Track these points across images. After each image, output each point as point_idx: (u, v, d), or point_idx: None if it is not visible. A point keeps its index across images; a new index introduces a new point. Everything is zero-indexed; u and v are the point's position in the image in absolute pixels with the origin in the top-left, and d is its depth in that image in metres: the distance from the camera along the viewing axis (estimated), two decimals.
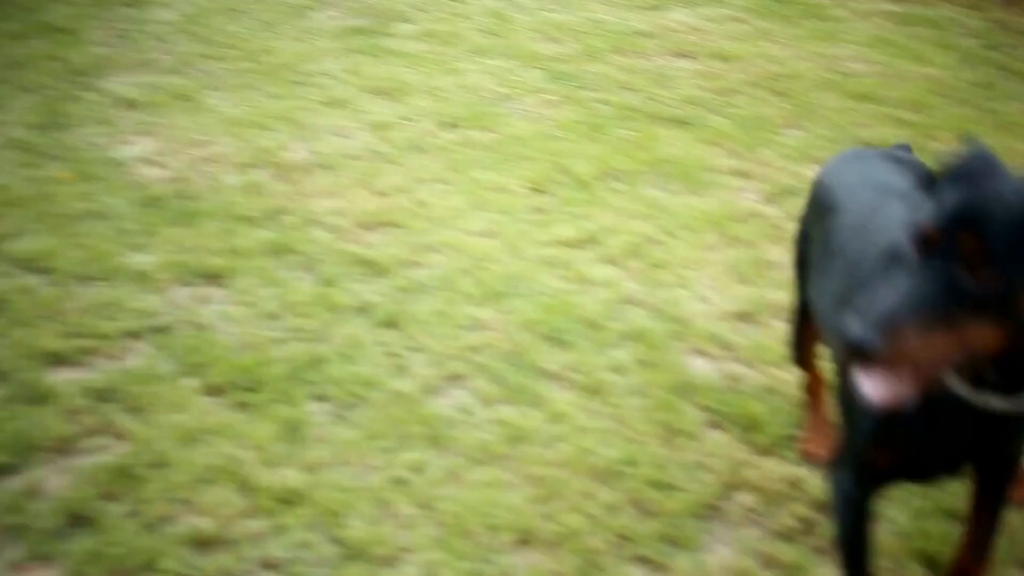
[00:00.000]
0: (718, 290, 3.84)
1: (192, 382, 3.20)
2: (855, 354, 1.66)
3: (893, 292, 1.71)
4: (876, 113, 5.43)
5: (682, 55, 6.20)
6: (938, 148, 4.63)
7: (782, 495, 2.90)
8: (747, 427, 3.14)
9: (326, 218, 4.16)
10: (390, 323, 3.54)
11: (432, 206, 4.29)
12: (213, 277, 3.75)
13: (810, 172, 4.72)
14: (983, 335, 1.71)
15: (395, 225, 4.14)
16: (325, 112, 5.13)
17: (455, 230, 4.12)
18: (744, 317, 3.69)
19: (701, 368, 3.42)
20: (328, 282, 3.74)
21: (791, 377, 3.36)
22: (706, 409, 3.22)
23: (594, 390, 3.26)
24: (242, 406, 3.12)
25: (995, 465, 2.24)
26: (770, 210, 4.41)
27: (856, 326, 1.66)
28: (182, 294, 3.64)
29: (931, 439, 2.06)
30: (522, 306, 3.64)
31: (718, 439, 3.09)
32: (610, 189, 4.52)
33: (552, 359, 3.39)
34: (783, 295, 3.77)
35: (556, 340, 3.48)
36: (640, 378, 3.33)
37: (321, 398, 3.18)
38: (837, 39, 6.56)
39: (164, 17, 6.27)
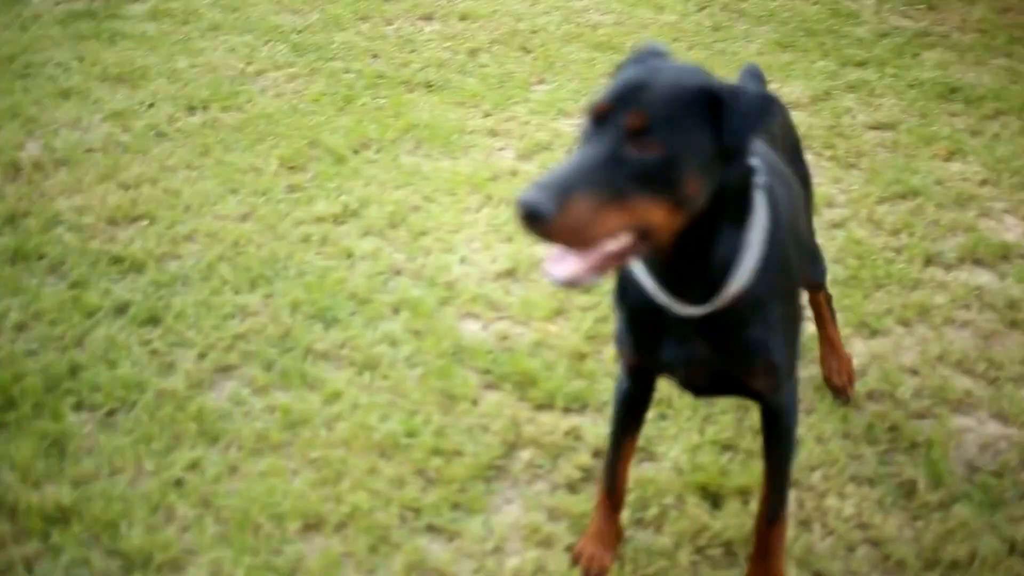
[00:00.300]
0: (483, 251, 3.90)
1: None
2: (527, 219, 1.72)
3: (567, 163, 1.80)
4: (619, 60, 5.61)
5: (426, 18, 6.22)
6: None
7: (563, 447, 2.99)
8: (522, 384, 3.22)
9: (70, 217, 3.98)
10: (151, 320, 3.44)
11: (183, 194, 4.16)
12: None
13: (562, 125, 4.87)
14: (652, 209, 1.81)
15: (146, 218, 4.00)
16: (58, 105, 4.89)
17: (210, 217, 4.03)
18: (511, 275, 3.77)
19: (473, 331, 3.48)
20: (79, 284, 3.59)
21: (559, 329, 3.47)
22: (481, 371, 3.28)
23: (369, 365, 3.27)
24: None
25: (750, 387, 2.31)
26: (527, 166, 4.50)
27: (528, 191, 1.73)
28: None
29: (661, 341, 2.22)
30: (287, 288, 3.60)
31: (496, 399, 3.16)
32: (366, 160, 4.51)
33: (323, 338, 3.38)
34: (546, 247, 3.87)
35: (325, 319, 3.47)
36: (414, 347, 3.36)
37: (84, 407, 3.06)
38: None
39: None
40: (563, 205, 1.72)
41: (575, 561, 2.64)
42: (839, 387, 3.26)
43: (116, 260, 3.73)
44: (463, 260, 3.84)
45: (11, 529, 2.62)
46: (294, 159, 4.47)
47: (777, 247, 2.15)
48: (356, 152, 4.57)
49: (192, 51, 5.57)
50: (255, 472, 2.84)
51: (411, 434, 2.99)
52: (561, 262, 1.82)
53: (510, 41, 5.85)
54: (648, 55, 2.07)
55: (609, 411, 2.68)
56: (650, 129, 1.80)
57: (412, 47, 5.74)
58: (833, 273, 3.81)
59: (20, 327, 3.38)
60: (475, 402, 3.15)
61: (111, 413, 3.04)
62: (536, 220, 1.71)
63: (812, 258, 3.07)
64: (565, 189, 1.73)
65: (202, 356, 3.28)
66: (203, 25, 5.93)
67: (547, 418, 3.10)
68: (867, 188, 4.38)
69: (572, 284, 1.84)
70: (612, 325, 3.40)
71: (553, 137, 4.74)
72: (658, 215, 1.83)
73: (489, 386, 3.24)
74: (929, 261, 3.89)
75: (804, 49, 5.80)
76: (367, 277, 3.69)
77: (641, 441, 3.00)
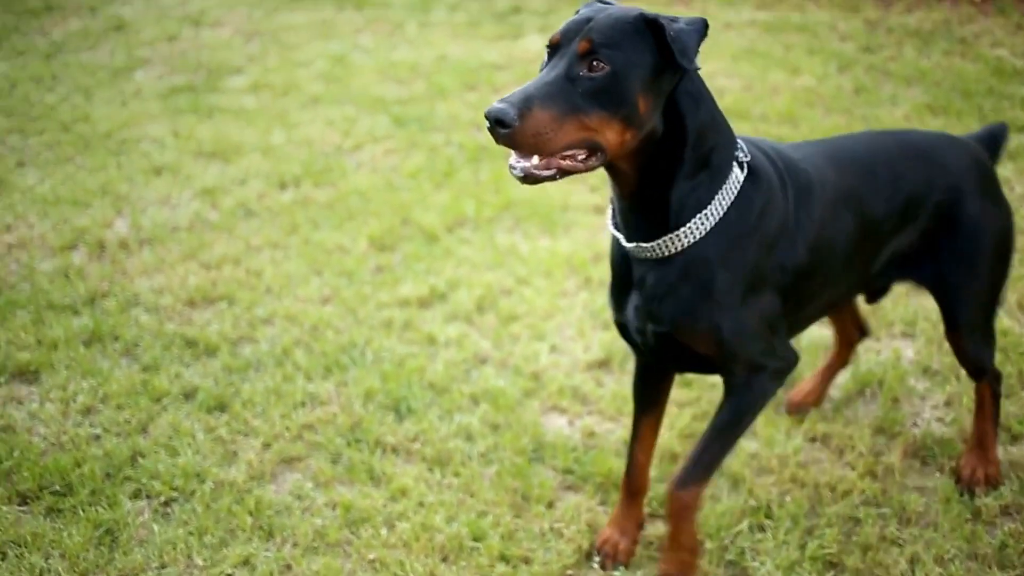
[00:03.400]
0: (576, 339, 3.97)
1: None
2: (494, 127, 2.25)
3: (529, 83, 2.32)
4: (747, 130, 5.65)
5: None
6: None
7: (642, 557, 3.02)
8: (605, 486, 3.26)
9: (149, 298, 4.21)
10: (218, 407, 3.61)
11: (265, 275, 4.37)
12: (22, 374, 3.78)
13: None
14: (604, 125, 2.33)
15: (225, 299, 4.21)
16: (149, 181, 5.20)
17: (290, 299, 4.21)
18: (603, 366, 3.83)
19: (557, 426, 3.54)
20: (150, 368, 3.80)
21: None
22: (562, 471, 3.33)
23: (440, 461, 3.36)
24: (54, 512, 3.16)
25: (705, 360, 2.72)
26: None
27: (494, 104, 2.25)
28: None
29: (628, 298, 2.72)
30: (362, 375, 3.73)
31: (574, 502, 3.20)
32: (460, 239, 4.65)
33: (395, 431, 3.48)
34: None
35: (399, 410, 3.58)
36: (491, 443, 3.43)
37: (142, 495, 3.23)
38: (703, 54, 6.81)
39: None
40: (524, 116, 2.24)
41: (597, 548, 3.01)
42: (969, 481, 3.24)
43: (190, 343, 3.93)
44: (553, 348, 3.92)
45: None
46: (384, 238, 4.64)
47: (743, 223, 2.58)
48: (450, 231, 4.72)
49: (289, 124, 5.85)
50: (308, 571, 2.94)
51: (478, 537, 3.05)
52: (523, 159, 2.32)
53: None
54: (595, 2, 2.54)
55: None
56: (595, 51, 2.32)
57: None
58: None
59: (87, 410, 3.59)
60: (551, 504, 3.20)
61: (168, 503, 3.20)
62: (502, 128, 2.24)
63: (982, 338, 3.15)
64: (526, 102, 2.26)
65: (267, 446, 3.43)
66: (303, 98, 6.23)
67: None
68: (1020, 270, 4.29)
69: (529, 179, 2.34)
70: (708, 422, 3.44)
71: None
72: (610, 132, 2.34)
73: (569, 487, 3.29)
74: None
75: (958, 113, 5.73)
76: (448, 365, 3.80)
77: (733, 553, 3.01)
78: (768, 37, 7.05)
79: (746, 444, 3.40)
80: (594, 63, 2.31)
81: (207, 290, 4.26)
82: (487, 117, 2.25)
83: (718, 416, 2.77)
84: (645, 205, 2.53)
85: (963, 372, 3.69)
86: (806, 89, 6.18)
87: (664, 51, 2.35)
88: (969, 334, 3.10)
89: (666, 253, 2.56)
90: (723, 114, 2.59)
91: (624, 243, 2.61)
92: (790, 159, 2.77)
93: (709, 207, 2.53)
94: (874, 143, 3.01)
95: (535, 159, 2.32)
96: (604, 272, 4.34)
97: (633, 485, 3.01)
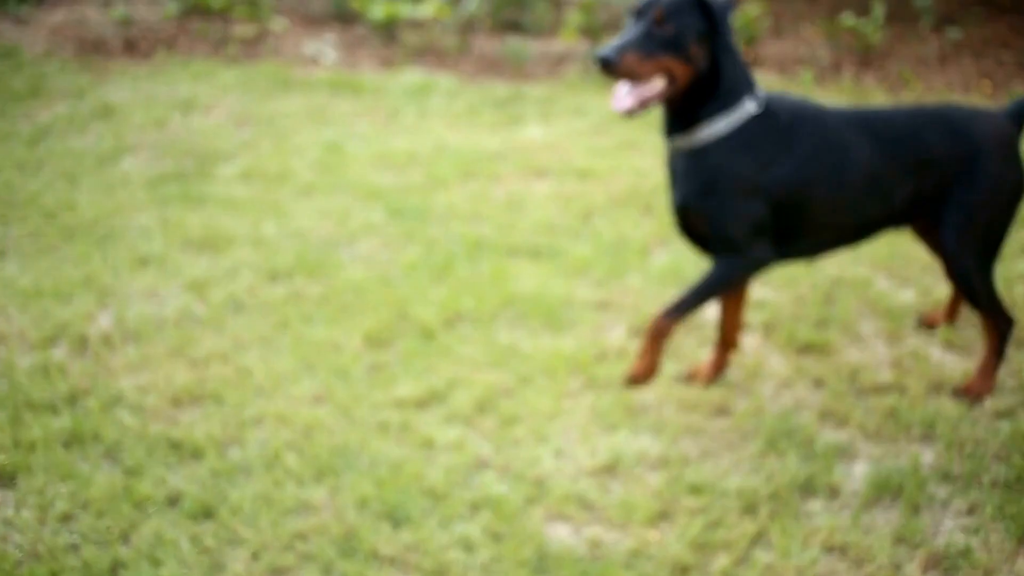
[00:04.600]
0: (580, 442, 3.92)
1: None
2: (602, 66, 3.61)
3: (621, 38, 3.68)
4: None
5: (539, 175, 6.42)
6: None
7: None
8: None
9: (133, 397, 4.16)
10: (204, 514, 3.54)
11: (255, 373, 4.33)
12: None
13: None
14: (673, 65, 3.69)
15: (212, 399, 4.16)
16: (135, 274, 5.17)
17: (281, 399, 4.16)
18: (610, 471, 3.78)
19: (561, 535, 3.48)
20: (132, 472, 3.74)
21: (662, 536, 3.44)
22: None
23: (439, 572, 3.29)
24: None
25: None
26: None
27: (603, 49, 3.63)
28: None
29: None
30: (355, 481, 3.67)
31: None
32: (458, 336, 4.62)
33: (391, 540, 3.41)
34: (653, 442, 3.88)
35: (395, 518, 3.51)
36: (491, 554, 3.37)
37: None
38: None
39: None
40: (622, 56, 3.61)
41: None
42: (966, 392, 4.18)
43: (175, 445, 3.87)
44: (557, 453, 3.87)
45: None
46: (379, 335, 4.61)
47: (742, 143, 3.81)
48: (448, 327, 4.69)
49: (281, 214, 5.85)
50: None
51: None
52: (620, 100, 3.70)
53: (630, 201, 5.98)
54: None
55: None
56: (666, 18, 3.66)
57: (520, 208, 5.91)
58: (995, 473, 3.71)
59: (65, 518, 3.52)
60: None
61: None
62: (609, 66, 3.60)
63: (976, 270, 4.04)
64: (624, 49, 3.63)
65: (255, 557, 3.36)
66: (296, 186, 6.23)
67: None
68: None
69: (629, 112, 3.70)
70: (726, 531, 3.40)
71: None
72: (677, 67, 3.70)
73: None
74: None
75: None
76: (446, 470, 3.74)
77: None
78: None
79: (761, 555, 3.35)
80: (664, 26, 3.67)
81: (194, 389, 4.21)
82: (598, 58, 3.60)
83: (699, 279, 3.89)
84: (682, 111, 3.82)
85: (985, 478, 3.67)
86: None
87: (709, 19, 3.71)
88: (962, 261, 4.00)
89: (686, 147, 3.84)
90: (747, 68, 3.85)
91: (666, 138, 3.90)
92: (810, 109, 3.94)
93: (720, 122, 3.80)
94: (913, 112, 4.05)
95: (629, 101, 3.68)
96: (609, 372, 4.32)
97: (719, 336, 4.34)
